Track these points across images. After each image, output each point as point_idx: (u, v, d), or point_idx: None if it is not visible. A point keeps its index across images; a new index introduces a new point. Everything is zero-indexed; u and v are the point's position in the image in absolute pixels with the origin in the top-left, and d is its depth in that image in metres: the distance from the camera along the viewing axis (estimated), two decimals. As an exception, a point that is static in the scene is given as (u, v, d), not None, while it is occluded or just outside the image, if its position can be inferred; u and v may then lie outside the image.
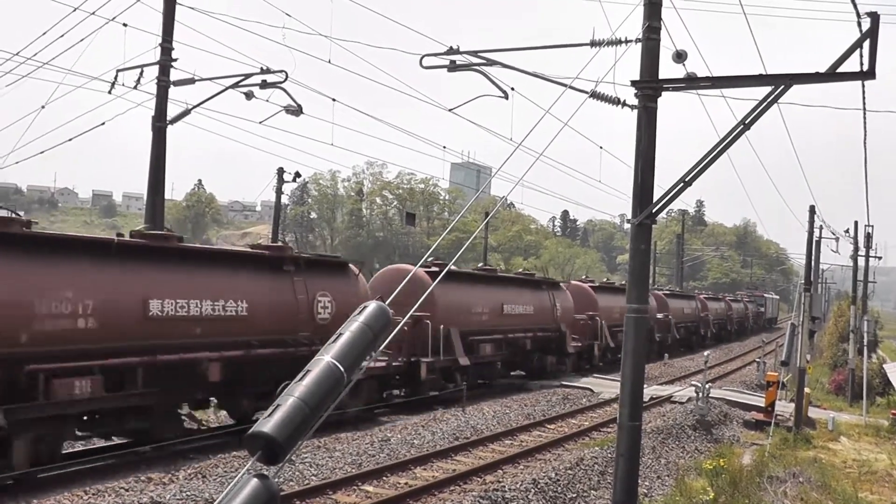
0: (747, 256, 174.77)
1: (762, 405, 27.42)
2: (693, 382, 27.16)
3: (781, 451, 21.68)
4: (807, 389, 28.10)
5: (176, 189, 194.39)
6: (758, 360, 40.82)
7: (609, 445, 18.56)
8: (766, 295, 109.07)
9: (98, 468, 15.50)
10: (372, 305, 5.18)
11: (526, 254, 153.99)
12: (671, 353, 53.30)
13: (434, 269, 26.30)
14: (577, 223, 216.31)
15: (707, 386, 25.58)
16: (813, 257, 28.86)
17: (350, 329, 4.97)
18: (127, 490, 13.85)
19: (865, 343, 34.80)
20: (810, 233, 28.32)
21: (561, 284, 37.08)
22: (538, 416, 24.65)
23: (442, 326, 25.44)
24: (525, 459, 18.60)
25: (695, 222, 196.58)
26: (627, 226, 13.89)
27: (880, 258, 48.98)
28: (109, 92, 22.49)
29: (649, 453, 19.65)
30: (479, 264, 33.99)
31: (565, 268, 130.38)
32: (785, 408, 28.01)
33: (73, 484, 14.12)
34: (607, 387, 30.42)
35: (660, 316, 52.08)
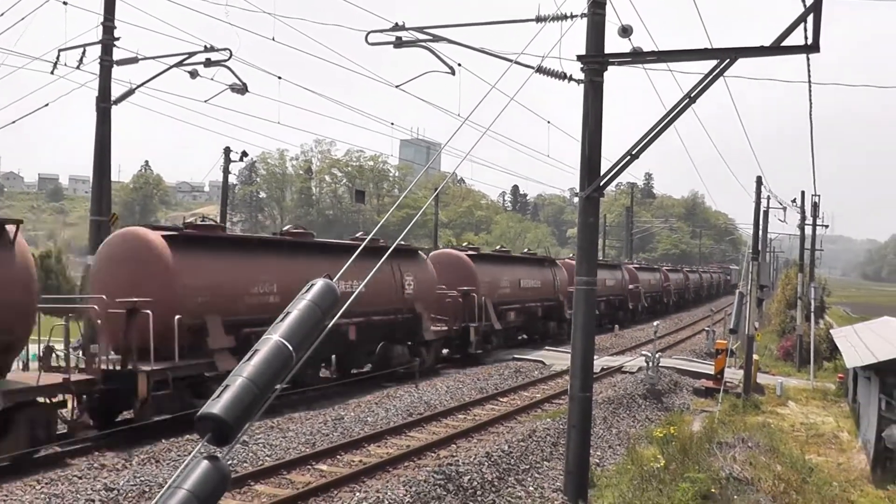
0: (696, 228, 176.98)
1: (711, 373, 27.96)
2: (643, 352, 27.58)
3: (730, 418, 22.12)
4: (755, 356, 28.68)
5: (123, 171, 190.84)
6: (707, 328, 41.55)
7: (561, 417, 18.80)
8: (732, 267, 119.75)
9: (51, 456, 15.34)
10: (319, 283, 5.16)
11: (477, 229, 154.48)
12: (639, 319, 55.13)
13: (471, 252, 33.61)
14: (527, 198, 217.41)
15: (657, 356, 26.01)
16: (760, 227, 29.38)
17: (298, 307, 4.94)
18: (80, 478, 13.74)
19: (812, 310, 35.55)
20: (757, 203, 28.80)
21: (557, 261, 43.36)
22: (491, 389, 24.86)
23: (484, 298, 31.28)
24: (478, 433, 18.78)
25: (644, 195, 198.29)
26: (577, 199, 14.06)
27: (827, 227, 49.88)
28: (52, 72, 22.05)
29: (601, 423, 19.97)
30: (498, 246, 41.79)
31: (516, 242, 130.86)
32: (734, 375, 28.55)
33: (25, 473, 13.96)
34: (559, 359, 30.74)
35: (632, 287, 55.92)
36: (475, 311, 30.81)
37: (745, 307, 27.96)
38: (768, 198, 36.57)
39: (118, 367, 16.68)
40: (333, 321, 4.90)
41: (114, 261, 18.54)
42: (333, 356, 25.07)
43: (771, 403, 25.82)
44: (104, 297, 16.47)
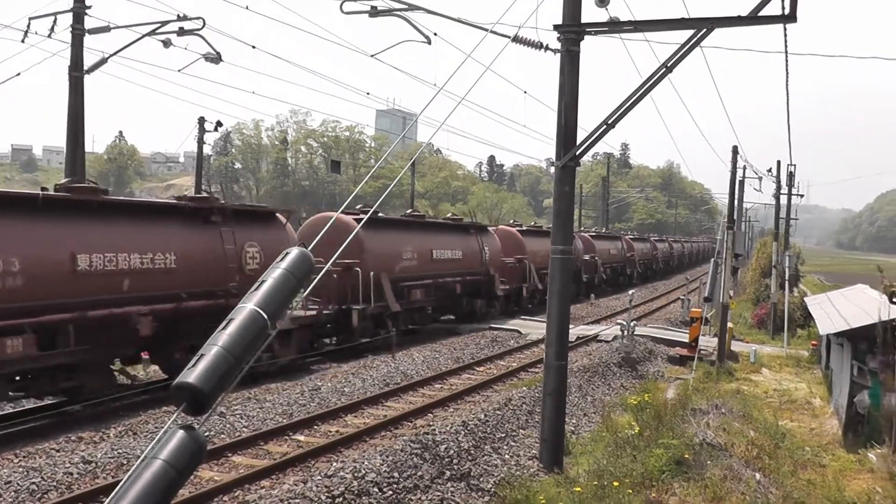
0: (672, 197, 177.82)
1: (686, 341, 28.24)
2: (618, 321, 27.79)
3: (704, 385, 22.36)
4: (730, 324, 28.95)
5: (97, 142, 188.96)
6: (682, 297, 41.89)
7: (537, 385, 18.95)
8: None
9: (28, 430, 15.31)
10: (294, 252, 5.18)
11: (454, 199, 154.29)
12: (598, 293, 54.20)
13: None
14: (504, 168, 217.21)
15: (632, 324, 26.23)
16: (736, 196, 29.55)
17: (272, 276, 4.97)
18: (58, 451, 13.74)
19: (787, 278, 35.88)
20: (733, 172, 28.95)
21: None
22: (467, 359, 25.02)
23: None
24: (454, 402, 18.92)
25: (620, 165, 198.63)
26: (553, 169, 14.10)
27: (802, 196, 50.27)
28: (23, 41, 21.76)
29: (576, 392, 20.15)
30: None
31: (493, 212, 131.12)
32: (708, 343, 28.83)
33: (3, 447, 13.93)
34: (535, 328, 30.93)
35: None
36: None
37: (721, 276, 28.22)
38: (744, 167, 36.79)
39: (341, 307, 24.73)
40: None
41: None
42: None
43: (745, 370, 26.12)
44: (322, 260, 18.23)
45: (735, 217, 28.77)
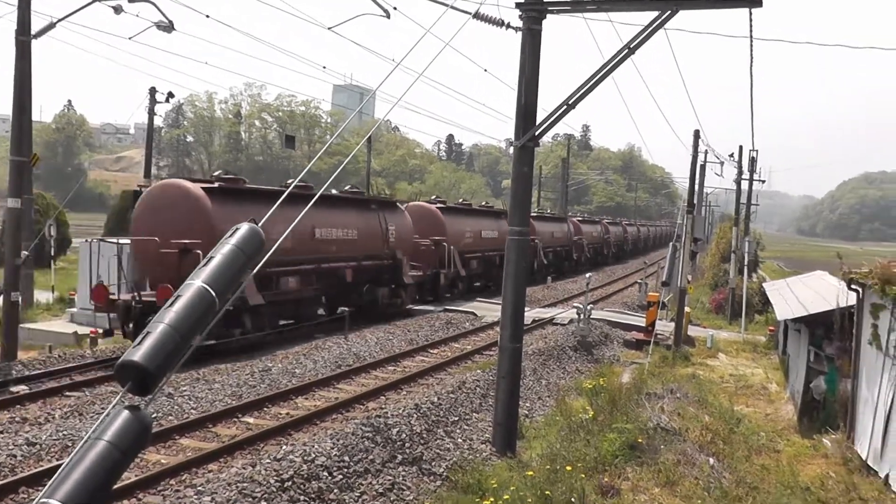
0: (632, 180, 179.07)
1: (643, 325, 28.57)
2: (575, 304, 28.00)
3: (660, 369, 22.67)
4: (687, 309, 29.32)
5: (44, 111, 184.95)
6: (640, 281, 42.32)
7: (491, 368, 19.06)
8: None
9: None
10: (244, 227, 5.14)
11: (411, 178, 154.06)
12: (569, 273, 54.51)
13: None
14: (463, 147, 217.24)
15: (589, 307, 26.46)
16: (697, 180, 29.84)
17: (221, 252, 4.92)
18: (2, 432, 13.57)
19: (746, 263, 36.34)
20: (694, 156, 29.20)
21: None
22: (421, 341, 25.10)
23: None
24: (408, 385, 19.00)
25: (581, 147, 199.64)
26: (512, 150, 14.13)
27: (764, 182, 50.86)
28: (-36, 3, 21.20)
29: (530, 375, 20.32)
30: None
31: (451, 192, 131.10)
32: (665, 327, 29.21)
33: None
34: (491, 310, 31.07)
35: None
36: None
37: (679, 260, 28.54)
38: (706, 152, 37.12)
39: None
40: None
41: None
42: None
43: (701, 355, 26.48)
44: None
45: (695, 201, 29.08)
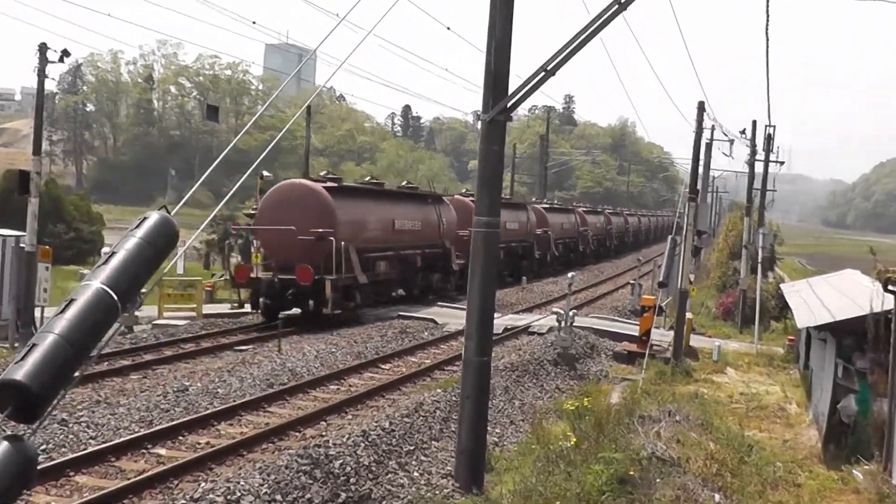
0: (625, 162, 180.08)
1: (636, 334, 28.71)
2: (555, 309, 28.10)
3: (657, 387, 22.76)
4: (689, 315, 29.50)
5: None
6: (632, 281, 42.50)
7: (454, 387, 19.09)
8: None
9: None
10: (154, 217, 5.07)
11: (359, 158, 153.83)
12: (547, 272, 55.47)
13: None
14: (422, 121, 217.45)
15: (571, 313, 26.55)
16: (701, 162, 29.85)
17: (125, 247, 4.81)
18: None
19: (760, 260, 36.25)
20: (698, 133, 29.27)
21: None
22: (370, 354, 25.15)
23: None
24: (354, 407, 19.02)
25: (563, 121, 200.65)
26: (480, 124, 14.15)
27: (783, 163, 50.48)
28: None
29: (501, 394, 20.38)
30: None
31: (407, 175, 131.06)
32: (663, 337, 29.37)
33: None
34: (453, 317, 31.15)
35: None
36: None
37: (679, 257, 28.73)
38: (712, 127, 37.24)
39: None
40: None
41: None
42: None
43: (706, 370, 26.64)
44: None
45: (699, 187, 29.22)
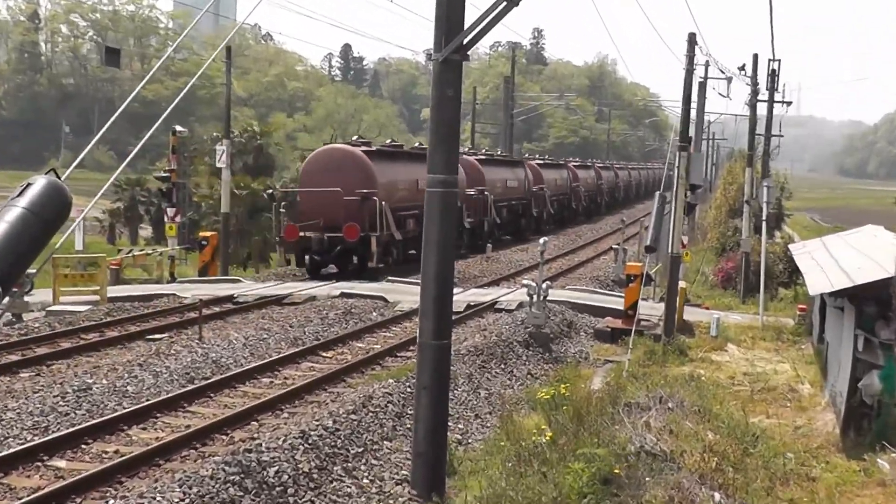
0: (604, 107, 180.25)
1: (620, 308, 28.82)
2: (525, 282, 28.12)
3: (646, 369, 22.85)
4: (682, 283, 29.62)
5: None
6: (616, 246, 42.58)
7: (408, 376, 19.15)
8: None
9: None
10: (40, 183, 4.96)
11: (292, 108, 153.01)
12: (542, 231, 57.45)
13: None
14: (365, 63, 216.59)
15: (544, 286, 26.54)
16: (694, 104, 29.84)
17: (6, 219, 4.69)
18: None
19: (766, 217, 36.03)
20: (689, 71, 29.27)
21: None
22: (309, 340, 25.11)
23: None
24: (290, 404, 18.94)
25: (531, 60, 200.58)
26: (432, 65, 14.07)
27: (790, 104, 50.50)
28: None
29: (464, 383, 20.44)
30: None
31: (349, 127, 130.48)
32: (652, 310, 29.49)
33: None
34: (407, 293, 31.07)
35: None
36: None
37: (670, 216, 28.78)
38: (706, 64, 37.36)
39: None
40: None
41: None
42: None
43: (703, 347, 26.70)
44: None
45: (691, 134, 29.25)
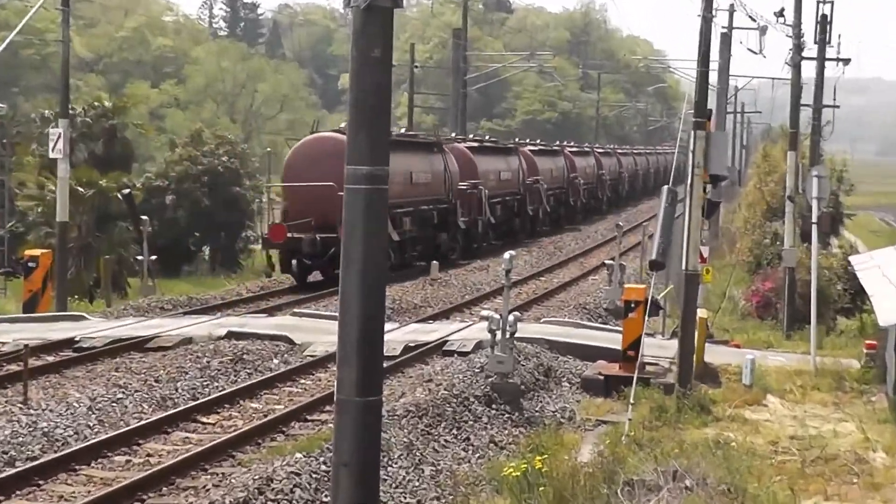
0: (591, 69, 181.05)
1: (618, 348, 28.74)
2: (485, 313, 27.95)
3: (653, 433, 22.86)
4: (703, 312, 29.58)
5: None
6: (609, 262, 42.35)
7: (323, 448, 19.08)
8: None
9: None
10: None
11: (157, 74, 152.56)
12: (538, 232, 59.96)
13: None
14: (261, 13, 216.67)
15: (512, 318, 26.31)
16: (715, 64, 29.67)
17: None
18: None
19: (816, 219, 35.73)
20: (706, 17, 29.02)
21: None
22: (183, 400, 25.01)
23: None
24: (155, 491, 18.73)
25: (490, 7, 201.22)
26: (351, 14, 13.94)
27: (848, 62, 49.12)
28: None
29: (401, 457, 20.32)
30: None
31: (239, 101, 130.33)
32: (661, 350, 29.50)
33: None
34: (320, 332, 31.02)
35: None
36: None
37: (683, 218, 28.71)
38: (731, 8, 37.11)
39: None
40: None
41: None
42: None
43: (733, 401, 26.74)
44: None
45: (711, 105, 29.19)
